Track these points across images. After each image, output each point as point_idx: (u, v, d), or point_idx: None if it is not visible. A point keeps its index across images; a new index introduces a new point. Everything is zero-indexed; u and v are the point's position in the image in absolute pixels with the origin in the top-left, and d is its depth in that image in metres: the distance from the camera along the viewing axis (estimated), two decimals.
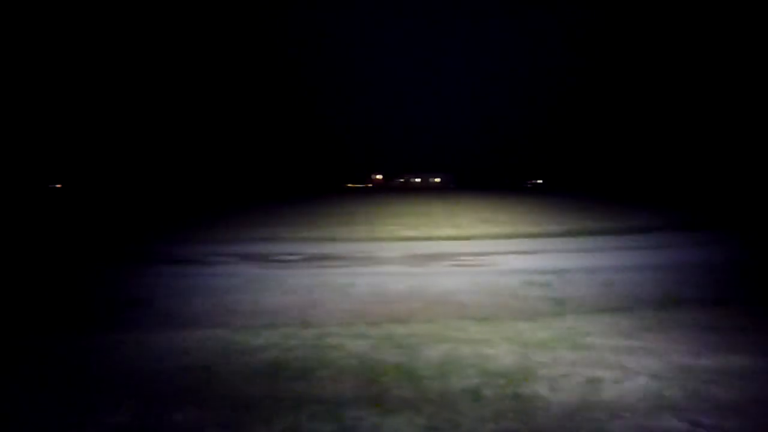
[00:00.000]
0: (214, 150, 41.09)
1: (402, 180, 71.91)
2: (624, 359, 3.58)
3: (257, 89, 44.05)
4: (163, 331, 4.26)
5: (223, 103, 41.17)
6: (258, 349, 3.81)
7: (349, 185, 66.59)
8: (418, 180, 71.55)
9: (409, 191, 51.22)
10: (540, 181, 51.50)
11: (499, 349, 3.79)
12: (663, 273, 6.57)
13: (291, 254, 8.47)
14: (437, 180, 71.01)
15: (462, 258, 7.97)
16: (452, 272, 6.80)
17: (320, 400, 3.00)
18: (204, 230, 12.55)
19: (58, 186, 30.80)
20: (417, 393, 3.09)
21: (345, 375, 3.36)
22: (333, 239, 10.52)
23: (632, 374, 3.33)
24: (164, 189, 35.82)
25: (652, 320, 4.46)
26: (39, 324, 4.52)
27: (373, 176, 73.30)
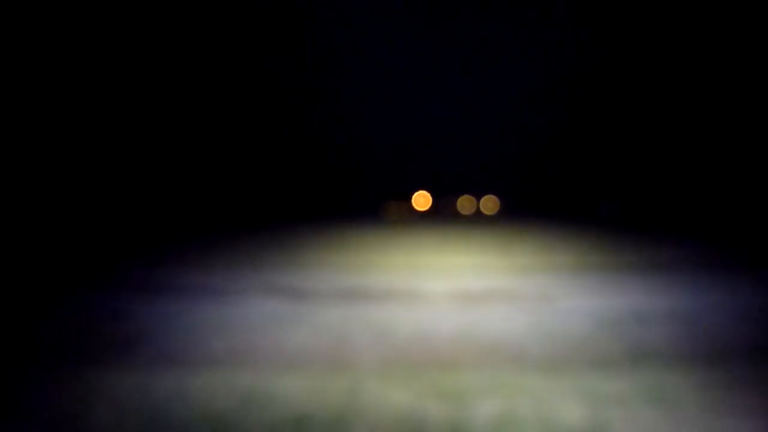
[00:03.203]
0: (224, 159, 41.44)
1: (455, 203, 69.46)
2: (716, 420, 3.43)
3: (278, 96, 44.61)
4: (170, 373, 4.27)
5: (240, 109, 41.62)
6: (281, 396, 3.79)
7: (391, 203, 64.60)
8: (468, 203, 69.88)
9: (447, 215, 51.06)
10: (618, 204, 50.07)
11: (564, 403, 3.69)
12: (764, 317, 6.35)
13: (318, 285, 8.48)
14: (492, 203, 68.96)
15: (518, 293, 7.86)
16: (506, 311, 6.71)
17: None
18: (212, 254, 12.71)
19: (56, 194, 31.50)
20: None
21: (383, 430, 3.30)
22: (367, 267, 10.52)
23: None
24: (164, 202, 36.43)
25: (748, 373, 4.29)
26: (19, 363, 4.58)
27: (415, 196, 70.23)
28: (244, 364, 4.52)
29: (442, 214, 62.65)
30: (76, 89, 31.47)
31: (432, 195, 69.65)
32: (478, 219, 45.27)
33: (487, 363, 4.61)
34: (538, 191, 57.49)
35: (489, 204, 68.61)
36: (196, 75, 37.58)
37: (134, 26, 33.69)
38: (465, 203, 70.10)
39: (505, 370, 4.42)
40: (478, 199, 69.81)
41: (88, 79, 31.90)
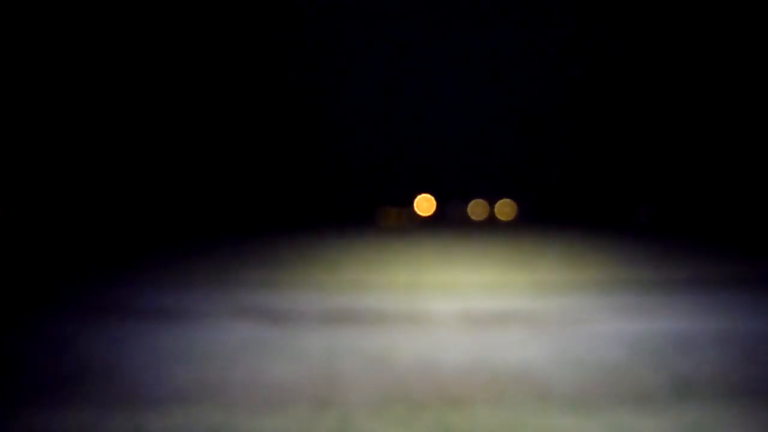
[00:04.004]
0: (206, 162, 42.14)
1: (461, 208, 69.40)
2: None
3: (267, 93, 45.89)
4: (126, 411, 4.24)
5: (224, 107, 42.98)
6: None
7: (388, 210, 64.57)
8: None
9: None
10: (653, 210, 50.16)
11: None
12: None
13: (302, 306, 8.45)
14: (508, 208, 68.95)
15: (540, 315, 7.85)
16: (526, 336, 6.69)
17: None
18: (181, 270, 12.65)
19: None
20: None
21: None
22: (360, 286, 10.49)
23: None
24: (139, 208, 36.73)
25: None
26: None
27: (416, 200, 70.10)
28: (213, 400, 4.49)
29: (450, 221, 62.68)
30: (68, 91, 33.02)
31: (438, 199, 69.62)
32: (491, 226, 45.29)
33: (503, 398, 4.59)
34: (562, 195, 57.51)
35: (505, 209, 68.66)
36: (183, 78, 38.97)
37: (133, 31, 35.53)
38: (476, 208, 70.15)
39: (524, 406, 4.40)
40: (492, 203, 69.84)
41: (79, 80, 33.56)
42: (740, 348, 6.05)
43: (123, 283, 11.18)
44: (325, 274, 12.58)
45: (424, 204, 69.27)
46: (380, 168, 64.35)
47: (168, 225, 35.56)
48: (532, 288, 10.53)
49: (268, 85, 46.89)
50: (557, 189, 57.96)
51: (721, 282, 11.27)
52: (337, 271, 13.01)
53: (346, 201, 59.69)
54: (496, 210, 69.36)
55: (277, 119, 48.09)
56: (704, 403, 4.45)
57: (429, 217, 67.25)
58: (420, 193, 69.31)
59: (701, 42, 38.74)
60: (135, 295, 9.60)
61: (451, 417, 4.15)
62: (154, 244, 22.41)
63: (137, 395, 4.63)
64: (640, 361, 5.57)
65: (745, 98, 37.13)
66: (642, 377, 5.10)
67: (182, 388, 4.79)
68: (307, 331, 6.91)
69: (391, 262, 15.31)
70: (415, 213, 67.79)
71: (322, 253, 18.03)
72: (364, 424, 4.02)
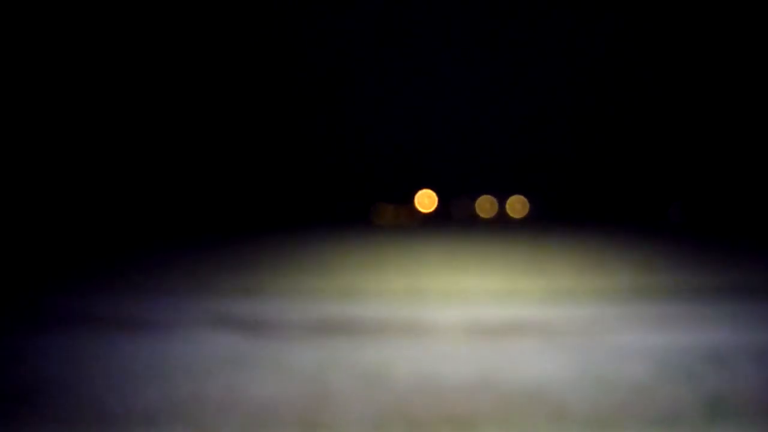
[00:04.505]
0: (189, 156, 42.96)
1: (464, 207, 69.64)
2: None
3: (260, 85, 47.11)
4: None
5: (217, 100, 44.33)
6: None
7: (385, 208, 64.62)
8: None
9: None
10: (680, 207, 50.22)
11: None
12: None
13: (288, 316, 8.44)
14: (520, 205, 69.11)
15: (556, 327, 7.83)
16: (541, 350, 6.68)
17: None
18: (154, 275, 12.64)
19: None
20: None
21: None
22: (355, 292, 10.49)
23: None
24: (119, 206, 37.16)
25: None
26: None
27: (417, 198, 70.29)
28: (185, 422, 4.47)
29: (456, 219, 62.87)
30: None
31: (443, 195, 69.76)
32: (501, 226, 45.35)
33: (514, 419, 4.57)
34: (581, 191, 57.56)
35: (516, 206, 68.89)
36: (177, 75, 40.21)
37: (131, 29, 37.08)
38: (485, 205, 70.37)
39: (538, 428, 4.38)
40: (503, 200, 70.10)
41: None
42: None
43: (91, 288, 11.17)
44: (316, 278, 12.58)
45: (425, 200, 69.36)
46: (378, 162, 64.40)
47: (154, 224, 36.10)
48: (547, 295, 10.52)
49: (262, 81, 47.73)
50: (575, 184, 58.04)
51: (761, 289, 11.27)
52: (329, 276, 13.01)
53: (341, 197, 59.81)
54: (507, 207, 69.58)
55: (266, 112, 48.60)
56: (740, 426, 4.43)
57: (431, 214, 67.45)
58: (421, 189, 69.44)
59: (736, 32, 39.17)
60: (104, 301, 9.58)
61: None
62: (136, 244, 22.46)
63: (98, 414, 4.60)
64: (669, 378, 5.55)
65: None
66: (670, 396, 5.08)
67: (150, 407, 4.76)
68: (294, 344, 6.89)
69: (390, 265, 15.31)
70: (415, 210, 67.92)
71: (312, 254, 18.04)
72: None
